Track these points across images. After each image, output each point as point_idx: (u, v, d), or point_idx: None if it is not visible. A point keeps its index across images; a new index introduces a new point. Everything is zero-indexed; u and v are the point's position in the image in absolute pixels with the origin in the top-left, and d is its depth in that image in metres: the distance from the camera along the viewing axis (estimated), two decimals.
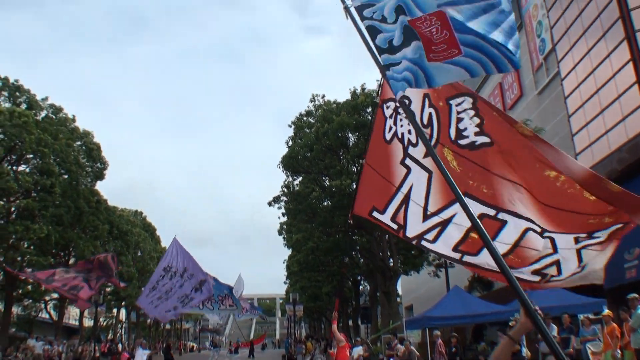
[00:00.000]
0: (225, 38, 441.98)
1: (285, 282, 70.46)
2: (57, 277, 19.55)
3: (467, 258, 5.45)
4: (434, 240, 5.71)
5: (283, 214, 40.01)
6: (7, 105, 34.18)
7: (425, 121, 5.76)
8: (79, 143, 39.77)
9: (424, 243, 5.78)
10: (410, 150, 6.31)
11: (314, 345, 33.65)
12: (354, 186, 30.28)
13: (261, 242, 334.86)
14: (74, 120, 39.23)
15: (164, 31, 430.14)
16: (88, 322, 57.20)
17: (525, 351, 18.47)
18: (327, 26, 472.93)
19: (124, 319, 72.22)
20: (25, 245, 34.71)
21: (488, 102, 5.31)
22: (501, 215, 4.99)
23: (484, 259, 5.20)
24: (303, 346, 34.67)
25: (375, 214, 6.91)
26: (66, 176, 36.47)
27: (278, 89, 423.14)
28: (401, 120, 6.09)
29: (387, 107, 6.28)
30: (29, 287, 39.64)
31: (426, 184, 5.91)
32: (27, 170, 34.52)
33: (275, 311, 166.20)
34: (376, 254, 32.71)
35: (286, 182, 37.76)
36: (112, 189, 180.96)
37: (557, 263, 4.82)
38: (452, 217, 5.48)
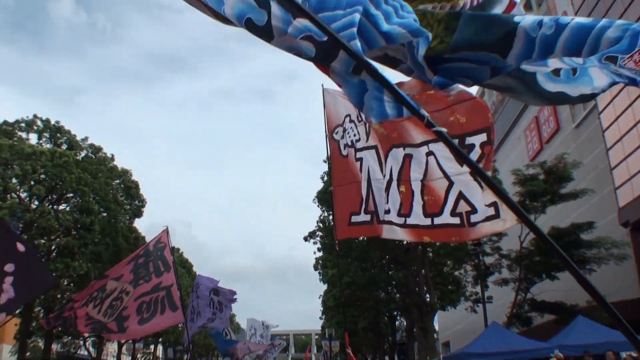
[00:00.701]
0: (258, 76, 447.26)
1: (321, 318, 69.99)
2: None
3: (408, 221, 6.58)
4: (389, 211, 6.81)
5: (319, 249, 40.02)
6: (49, 146, 35.09)
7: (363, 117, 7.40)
8: (117, 181, 40.54)
9: (386, 218, 6.89)
10: (357, 145, 7.87)
11: None
12: None
13: (297, 277, 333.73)
14: (112, 159, 40.07)
15: (198, 70, 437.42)
16: (126, 359, 57.53)
17: None
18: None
19: (161, 355, 72.44)
20: (65, 283, 35.22)
21: None
22: (407, 150, 6.40)
23: (416, 218, 6.42)
24: None
25: (353, 218, 8.20)
26: (105, 214, 37.05)
27: (312, 125, 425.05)
28: (347, 131, 7.74)
29: (336, 133, 7.93)
30: None
31: (376, 158, 7.24)
32: (67, 208, 35.15)
33: (311, 347, 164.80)
34: (412, 289, 32.46)
35: (322, 217, 37.84)
36: (149, 226, 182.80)
37: (461, 195, 5.88)
38: (391, 170, 6.83)
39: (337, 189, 8.42)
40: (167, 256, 20.46)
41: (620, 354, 16.55)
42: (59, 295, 35.06)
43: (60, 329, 21.31)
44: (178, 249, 63.38)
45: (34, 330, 37.91)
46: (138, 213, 42.55)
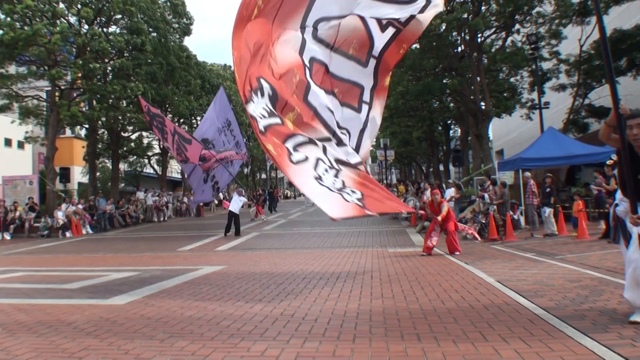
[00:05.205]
0: None
1: None
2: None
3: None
4: None
5: None
6: None
7: None
8: (163, 0, 39.83)
9: None
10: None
11: (406, 189, 34.18)
12: (444, 26, 29.38)
13: None
14: None
15: None
16: None
17: None
18: None
19: None
20: (124, 104, 36.11)
21: None
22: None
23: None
24: (395, 190, 35.23)
25: None
26: (154, 34, 36.89)
27: None
28: None
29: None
30: (132, 144, 41.67)
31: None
32: (117, 31, 35.10)
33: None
34: (467, 97, 32.10)
35: None
36: (197, 45, 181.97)
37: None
38: None
39: None
40: (166, 122, 21.56)
41: None
42: (119, 117, 36.12)
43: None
44: (230, 66, 63.19)
45: (100, 151, 39.57)
46: (187, 31, 42.21)
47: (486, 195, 20.19)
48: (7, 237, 26.80)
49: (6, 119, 37.50)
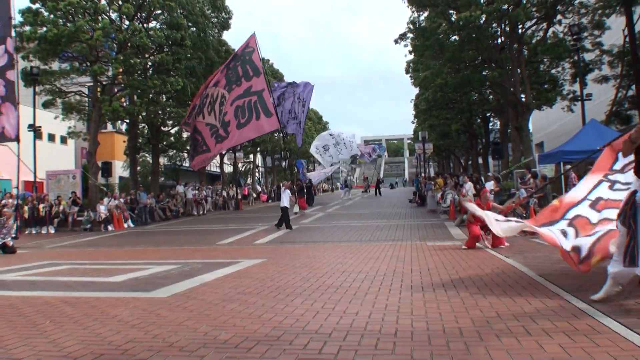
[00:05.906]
0: None
1: (412, 122, 70.41)
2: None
3: None
4: None
5: (410, 52, 39.19)
6: None
7: None
8: None
9: None
10: None
11: (445, 182, 33.88)
12: (484, 18, 29.02)
13: (385, 86, 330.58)
14: None
15: None
16: (228, 169, 60.62)
17: None
18: None
19: (260, 164, 75.81)
20: (164, 99, 36.54)
21: None
22: None
23: None
24: (433, 183, 34.97)
25: None
26: (194, 29, 37.27)
27: None
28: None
29: None
30: (172, 138, 42.16)
31: None
32: (157, 26, 35.56)
33: (403, 151, 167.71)
34: (507, 88, 31.69)
35: (412, 18, 36.64)
36: (236, 39, 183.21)
37: None
38: None
39: None
40: (256, 61, 19.63)
41: None
42: (159, 112, 36.55)
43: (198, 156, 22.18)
44: (268, 60, 63.53)
45: (141, 146, 40.16)
46: (226, 25, 42.56)
47: (516, 191, 20.00)
48: (52, 230, 27.47)
49: (50, 115, 38.31)
